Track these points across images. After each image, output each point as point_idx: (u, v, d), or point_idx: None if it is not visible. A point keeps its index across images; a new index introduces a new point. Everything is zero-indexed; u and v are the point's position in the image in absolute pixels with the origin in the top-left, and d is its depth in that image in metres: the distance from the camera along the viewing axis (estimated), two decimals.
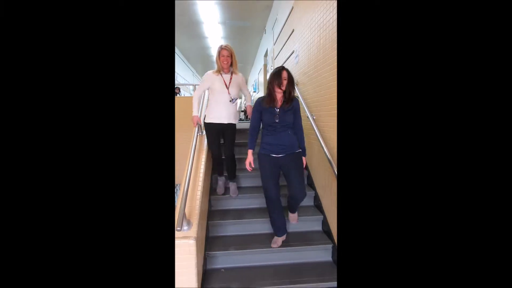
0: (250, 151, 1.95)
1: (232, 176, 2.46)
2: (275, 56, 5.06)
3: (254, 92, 10.08)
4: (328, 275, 1.83)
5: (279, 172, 1.93)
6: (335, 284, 1.75)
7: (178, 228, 1.46)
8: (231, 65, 2.24)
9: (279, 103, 1.87)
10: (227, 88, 2.26)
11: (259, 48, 8.26)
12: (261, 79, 7.86)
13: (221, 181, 2.51)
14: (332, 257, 2.02)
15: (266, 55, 6.80)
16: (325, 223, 2.23)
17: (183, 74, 9.12)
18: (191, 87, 10.06)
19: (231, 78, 2.27)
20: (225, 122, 2.30)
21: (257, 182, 2.57)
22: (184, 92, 8.92)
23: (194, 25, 6.51)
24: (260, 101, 1.92)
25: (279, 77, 1.79)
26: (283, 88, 1.81)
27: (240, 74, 2.35)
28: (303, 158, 1.95)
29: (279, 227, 1.99)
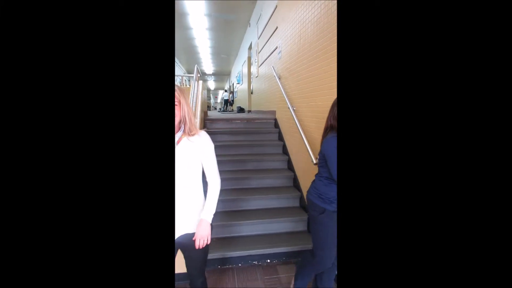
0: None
1: None
2: (259, 50, 5.31)
3: (238, 84, 10.28)
4: (303, 240, 2.21)
5: None
6: (305, 247, 2.13)
7: None
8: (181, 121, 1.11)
9: None
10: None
11: (243, 41, 8.44)
12: (245, 70, 8.09)
13: None
14: (307, 227, 2.38)
15: (250, 48, 7.01)
16: (302, 199, 2.58)
17: None
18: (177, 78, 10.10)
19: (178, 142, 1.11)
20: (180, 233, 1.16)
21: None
22: None
23: (180, 16, 6.58)
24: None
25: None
26: None
27: (201, 133, 1.15)
28: None
29: None
